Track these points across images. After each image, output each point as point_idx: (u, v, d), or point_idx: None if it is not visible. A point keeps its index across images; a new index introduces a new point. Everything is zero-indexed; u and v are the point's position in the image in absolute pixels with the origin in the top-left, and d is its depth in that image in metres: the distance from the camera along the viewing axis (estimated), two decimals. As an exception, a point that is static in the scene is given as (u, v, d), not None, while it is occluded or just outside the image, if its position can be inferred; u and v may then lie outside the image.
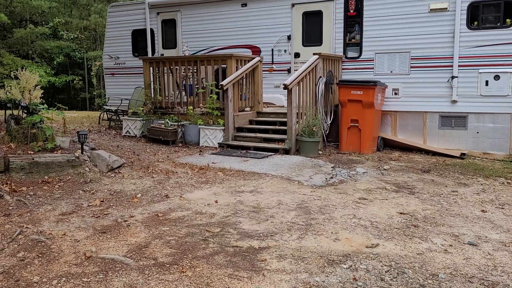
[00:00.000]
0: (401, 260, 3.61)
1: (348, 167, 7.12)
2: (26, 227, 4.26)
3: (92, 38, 26.10)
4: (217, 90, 8.82)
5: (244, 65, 9.01)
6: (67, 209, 4.84)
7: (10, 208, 4.78)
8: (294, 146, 7.93)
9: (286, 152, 7.86)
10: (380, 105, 8.79)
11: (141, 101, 10.13)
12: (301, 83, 8.11)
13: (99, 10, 23.43)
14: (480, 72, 8.44)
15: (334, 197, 5.44)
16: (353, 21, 9.50)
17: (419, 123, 9.12)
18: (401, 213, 4.86)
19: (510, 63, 8.21)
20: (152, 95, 9.84)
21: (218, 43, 10.98)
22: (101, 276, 3.29)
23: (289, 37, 10.18)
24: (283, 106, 9.71)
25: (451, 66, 8.65)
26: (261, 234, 4.13)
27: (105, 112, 11.69)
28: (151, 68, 9.86)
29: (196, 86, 9.48)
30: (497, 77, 8.31)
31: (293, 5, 10.05)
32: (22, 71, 6.89)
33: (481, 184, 6.30)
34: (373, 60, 9.34)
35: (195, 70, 9.47)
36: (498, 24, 8.26)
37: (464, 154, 8.48)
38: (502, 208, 5.14)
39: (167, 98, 9.78)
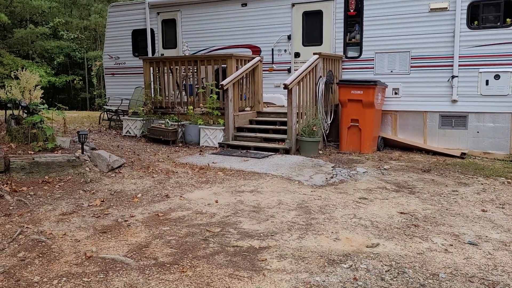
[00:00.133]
0: (401, 259, 3.61)
1: (349, 166, 7.12)
2: (27, 227, 4.26)
3: (92, 38, 26.11)
4: (217, 90, 8.82)
5: (244, 65, 9.01)
6: (68, 209, 4.84)
7: (11, 208, 4.79)
8: (294, 146, 7.93)
9: (287, 152, 7.86)
10: (380, 104, 8.79)
11: (141, 101, 10.13)
12: (301, 82, 8.11)
13: (99, 10, 23.44)
14: (480, 72, 8.43)
15: (334, 196, 5.44)
16: (353, 20, 9.50)
17: (419, 122, 9.12)
18: (401, 212, 4.86)
19: (510, 63, 8.20)
20: (152, 95, 9.84)
21: (218, 43, 10.98)
22: (102, 276, 3.29)
23: (289, 37, 10.18)
24: (283, 106, 9.70)
25: (451, 65, 8.65)
26: (261, 234, 4.14)
27: (105, 112, 11.69)
28: (151, 68, 9.87)
29: (196, 86, 9.48)
30: (497, 77, 8.31)
31: (293, 4, 10.04)
32: (22, 71, 6.89)
33: (482, 184, 6.30)
34: (373, 59, 9.34)
35: (195, 70, 9.47)
36: (498, 23, 8.26)
37: (464, 153, 8.48)
38: (502, 208, 5.14)
39: (167, 98, 9.78)
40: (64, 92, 26.61)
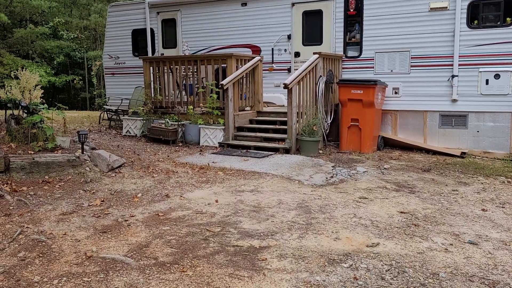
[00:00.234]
0: (401, 259, 3.61)
1: (349, 166, 7.12)
2: (27, 227, 4.26)
3: (92, 38, 26.10)
4: (217, 90, 8.81)
5: (244, 64, 9.00)
6: (68, 209, 4.84)
7: (11, 208, 4.79)
8: (295, 146, 7.93)
9: (287, 151, 7.86)
10: (380, 104, 8.79)
11: (141, 100, 10.13)
12: (301, 82, 8.10)
13: (99, 10, 23.43)
14: (481, 71, 8.43)
15: (334, 196, 5.44)
16: (353, 20, 9.50)
17: (419, 122, 9.12)
18: (401, 212, 4.86)
19: (510, 62, 8.20)
20: (152, 95, 9.84)
21: (218, 42, 10.98)
22: (102, 276, 3.29)
23: (289, 37, 10.17)
24: (283, 106, 9.70)
25: (451, 65, 8.64)
26: (261, 234, 4.14)
27: (105, 112, 11.69)
28: (151, 67, 9.86)
29: (196, 86, 9.48)
30: (497, 76, 8.30)
31: (293, 4, 10.04)
32: (22, 71, 6.89)
33: (482, 183, 6.30)
34: (373, 59, 9.33)
35: (195, 70, 9.47)
36: (499, 23, 8.26)
37: (464, 153, 8.48)
38: (502, 207, 5.14)
39: (167, 97, 9.78)
40: (64, 92, 26.61)
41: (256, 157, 7.44)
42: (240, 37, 10.70)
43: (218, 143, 8.53)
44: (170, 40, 11.78)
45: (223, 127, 8.57)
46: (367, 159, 7.85)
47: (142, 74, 10.32)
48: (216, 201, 5.15)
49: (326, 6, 9.72)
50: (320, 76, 8.60)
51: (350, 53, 9.63)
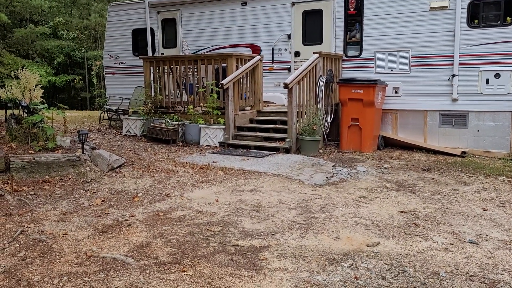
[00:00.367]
0: (402, 258, 3.61)
1: (349, 165, 7.12)
2: (27, 227, 4.27)
3: (92, 38, 26.10)
4: (217, 89, 8.81)
5: (245, 64, 9.00)
6: (68, 208, 4.84)
7: (11, 207, 4.79)
8: (295, 145, 7.93)
9: (287, 151, 7.86)
10: (380, 103, 8.79)
11: (142, 100, 10.13)
12: (302, 82, 8.10)
13: (99, 10, 23.42)
14: (481, 71, 8.43)
15: (334, 196, 5.44)
16: (353, 19, 9.50)
17: (419, 121, 9.12)
18: (401, 211, 4.86)
19: (510, 61, 8.20)
20: (153, 95, 9.84)
21: (218, 42, 10.98)
22: (102, 276, 3.30)
23: (289, 36, 10.17)
24: (284, 105, 9.70)
25: (452, 64, 8.64)
26: (262, 233, 4.14)
27: (105, 112, 11.69)
28: (151, 67, 9.86)
29: (197, 85, 9.48)
30: (497, 75, 8.30)
31: (293, 3, 10.04)
32: (22, 70, 6.90)
33: (482, 183, 6.30)
34: (373, 58, 9.33)
35: (195, 69, 9.47)
36: (499, 22, 8.25)
37: (464, 152, 8.48)
38: (503, 207, 5.14)
39: (167, 97, 9.79)
40: (64, 92, 26.61)
41: (256, 157, 7.44)
42: (240, 37, 10.70)
43: (219, 142, 8.53)
44: (170, 40, 11.78)
45: (223, 126, 8.57)
46: (367, 158, 7.85)
47: (142, 74, 10.33)
48: (217, 200, 5.15)
49: (326, 5, 9.72)
50: (320, 75, 8.60)
51: (350, 53, 9.63)
